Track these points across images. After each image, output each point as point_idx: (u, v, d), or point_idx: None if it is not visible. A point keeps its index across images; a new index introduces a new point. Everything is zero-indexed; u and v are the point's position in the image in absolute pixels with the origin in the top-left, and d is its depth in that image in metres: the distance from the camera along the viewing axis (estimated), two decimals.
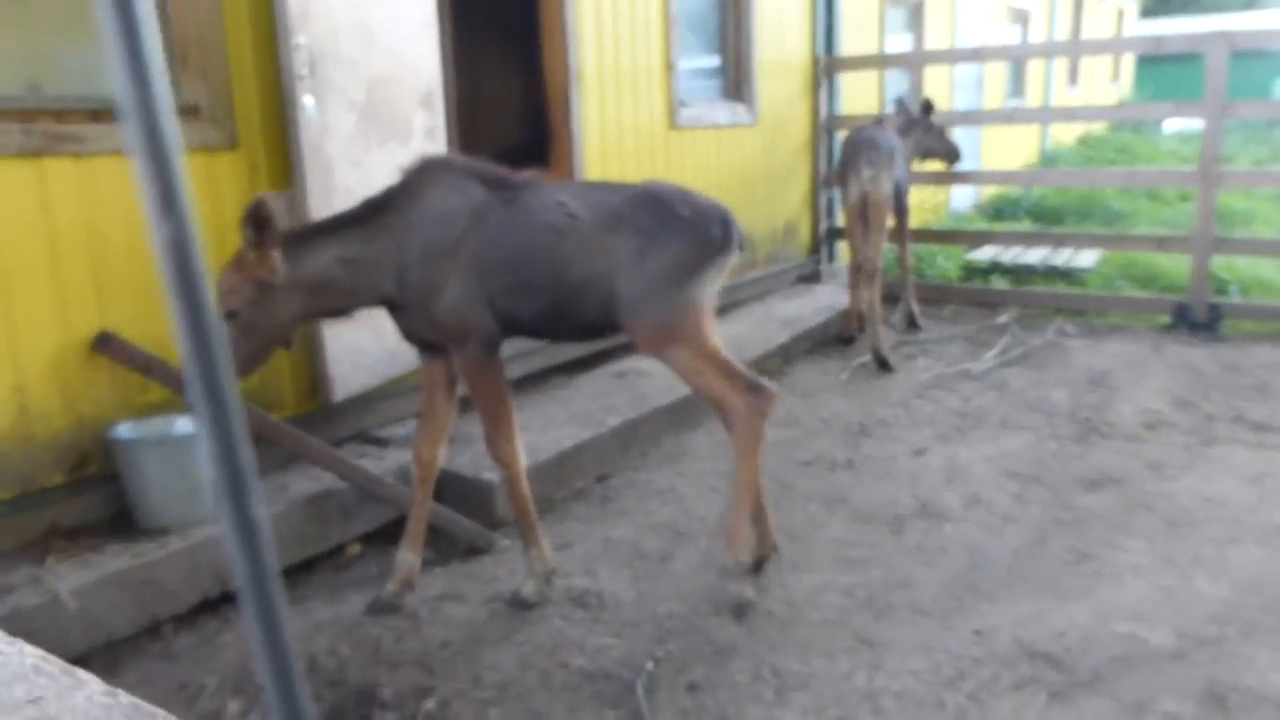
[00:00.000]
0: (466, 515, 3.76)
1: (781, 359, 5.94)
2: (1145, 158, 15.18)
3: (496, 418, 3.13)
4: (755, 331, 6.17)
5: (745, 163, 6.77)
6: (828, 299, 6.91)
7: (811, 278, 7.56)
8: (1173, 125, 19.57)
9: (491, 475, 3.89)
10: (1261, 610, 3.13)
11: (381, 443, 4.13)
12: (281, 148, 3.73)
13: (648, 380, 5.20)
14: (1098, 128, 18.00)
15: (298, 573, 3.49)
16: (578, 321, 3.09)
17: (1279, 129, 19.15)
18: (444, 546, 3.75)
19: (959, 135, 6.27)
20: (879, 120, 6.24)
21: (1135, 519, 3.82)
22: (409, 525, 3.33)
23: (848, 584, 3.38)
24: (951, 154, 6.27)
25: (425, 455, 3.26)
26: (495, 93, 7.53)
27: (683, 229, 2.99)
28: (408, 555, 3.30)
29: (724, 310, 6.63)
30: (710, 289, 3.10)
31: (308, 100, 3.67)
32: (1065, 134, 16.61)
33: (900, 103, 6.20)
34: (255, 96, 3.70)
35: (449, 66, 5.03)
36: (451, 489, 3.92)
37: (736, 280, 6.78)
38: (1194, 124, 15.41)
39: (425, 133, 4.21)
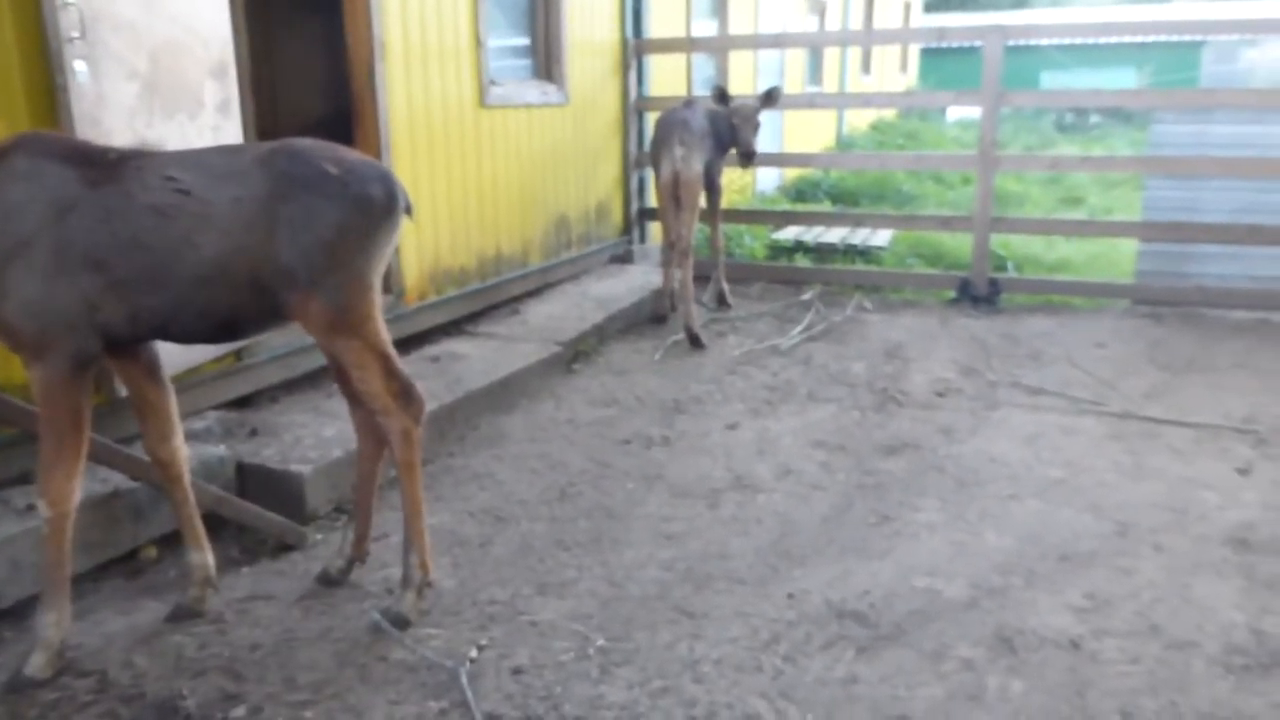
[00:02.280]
0: (275, 509, 3.59)
1: (597, 339, 5.97)
2: (931, 143, 16.18)
3: (61, 449, 2.63)
4: (571, 312, 6.17)
5: (557, 143, 6.75)
6: (641, 279, 7.00)
7: (625, 258, 7.65)
8: (955, 113, 20.85)
9: (301, 467, 3.73)
10: (1041, 559, 3.41)
11: None
12: (50, 119, 3.41)
13: (463, 363, 5.11)
14: (888, 115, 19.01)
15: (86, 582, 3.24)
16: (217, 315, 2.69)
17: (1046, 117, 20.78)
18: (251, 544, 3.57)
19: (764, 117, 6.32)
20: (690, 102, 6.33)
21: (929, 480, 4.08)
22: (182, 527, 3.11)
23: (667, 558, 3.44)
24: (742, 147, 6.09)
25: (160, 454, 2.98)
26: (296, 65, 7.17)
27: (336, 191, 2.62)
28: (196, 556, 3.09)
29: (539, 291, 6.60)
30: (380, 264, 2.77)
31: (79, 66, 3.38)
32: (860, 120, 17.48)
33: (717, 87, 6.30)
34: (17, 61, 3.36)
35: (243, 36, 4.74)
36: (258, 483, 3.73)
37: (551, 260, 6.76)
38: (974, 112, 16.62)
39: (218, 106, 3.96)
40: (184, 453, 3.05)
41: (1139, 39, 21.12)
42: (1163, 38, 20.32)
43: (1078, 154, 12.28)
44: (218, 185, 2.62)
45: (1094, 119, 21.50)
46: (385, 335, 2.85)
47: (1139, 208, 7.25)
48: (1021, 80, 17.65)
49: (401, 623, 2.96)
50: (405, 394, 2.87)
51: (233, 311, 2.71)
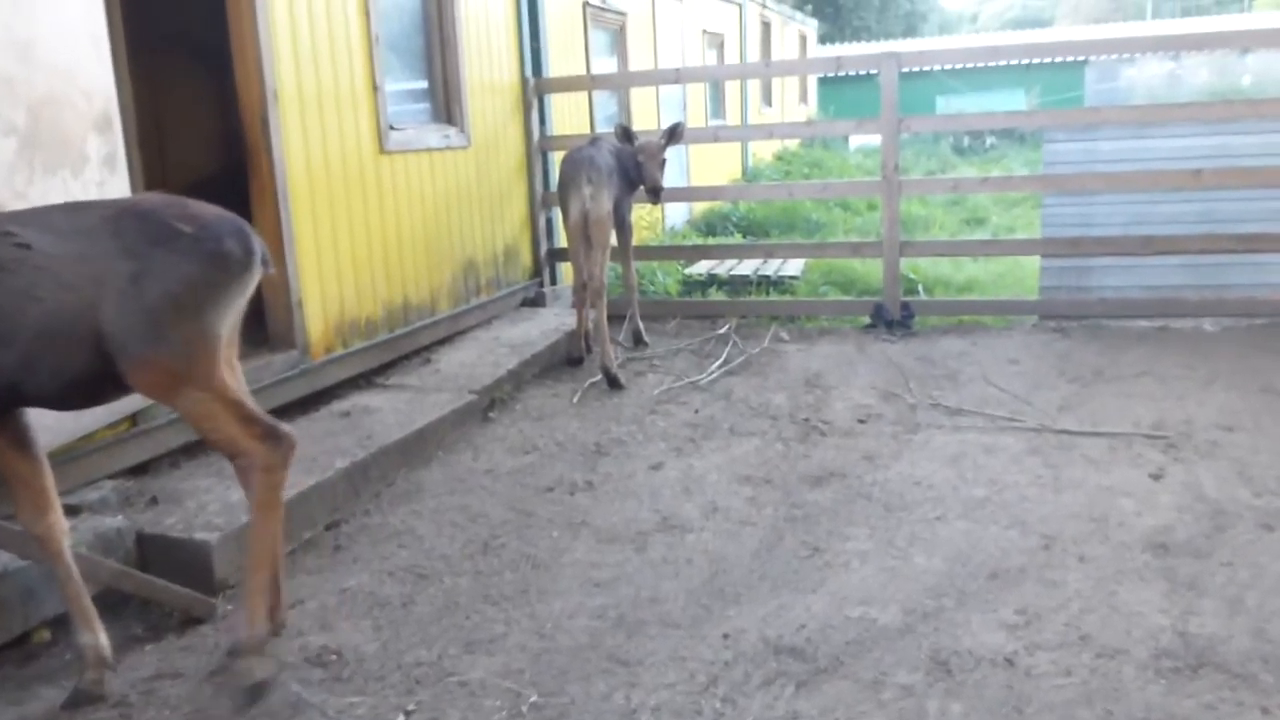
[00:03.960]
0: (181, 581, 3.39)
1: (513, 385, 5.85)
2: (836, 171, 16.51)
3: None
4: (484, 358, 6.05)
5: (461, 187, 6.66)
6: (554, 321, 6.91)
7: (536, 300, 7.56)
8: (856, 141, 21.36)
9: (207, 535, 3.54)
10: (971, 578, 3.40)
11: (73, 510, 3.64)
12: None
13: (375, 416, 4.95)
14: (792, 145, 19.37)
15: None
16: (70, 375, 2.59)
17: (944, 141, 21.43)
18: (156, 619, 3.36)
19: (670, 152, 6.33)
20: (595, 140, 6.31)
21: (857, 508, 4.06)
22: (68, 606, 2.92)
23: (598, 606, 3.35)
24: (649, 183, 6.00)
25: (36, 529, 2.82)
26: (187, 116, 6.95)
27: (188, 247, 2.57)
28: (86, 637, 2.89)
29: (450, 339, 6.45)
30: (232, 317, 2.74)
31: None
32: (764, 151, 17.75)
33: (619, 125, 6.29)
34: None
35: (127, 86, 4.56)
36: (161, 553, 3.53)
37: (460, 307, 6.63)
38: (874, 140, 16.94)
39: (103, 160, 3.78)
40: (62, 527, 2.87)
41: (1026, 61, 21.94)
42: (1049, 59, 21.13)
43: (977, 175, 12.64)
44: (62, 241, 2.53)
45: (990, 140, 22.24)
46: (236, 384, 2.79)
47: (1039, 225, 7.44)
48: (918, 105, 18.19)
49: (257, 691, 2.78)
50: (270, 434, 2.75)
51: (87, 371, 2.59)
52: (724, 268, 8.81)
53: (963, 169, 17.08)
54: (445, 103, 6.63)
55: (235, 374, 2.97)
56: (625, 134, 6.12)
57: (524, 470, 4.64)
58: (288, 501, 3.77)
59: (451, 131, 6.59)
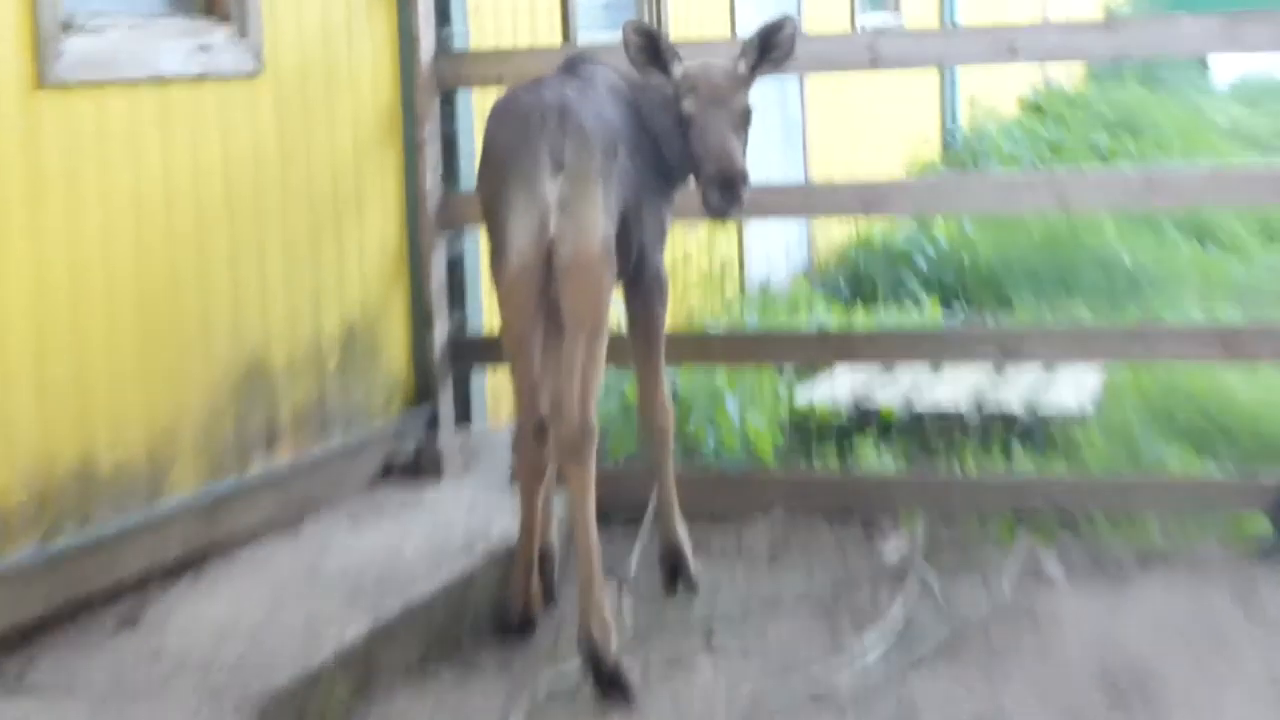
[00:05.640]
0: None
1: (353, 689, 2.76)
2: (1178, 140, 9.09)
3: None
4: (281, 618, 2.98)
5: (238, 170, 3.33)
6: (462, 519, 3.66)
7: (420, 464, 3.97)
8: (1227, 69, 11.94)
9: None
10: None
11: None
12: None
13: None
14: (1064, 73, 11.46)
15: None
16: None
17: None
18: None
19: (764, 94, 2.89)
20: (574, 65, 3.13)
21: None
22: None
23: None
24: (712, 167, 2.85)
25: None
26: None
27: None
28: None
29: (198, 563, 3.28)
30: None
31: None
32: (993, 91, 10.00)
33: (636, 26, 2.93)
34: None
35: None
36: None
37: (226, 480, 3.32)
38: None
39: None
40: None
41: None
42: None
43: None
44: None
45: None
46: None
47: None
48: None
49: None
50: None
51: None
52: (896, 389, 4.80)
53: None
54: None
55: None
56: (648, 50, 2.90)
57: None
58: None
59: (217, 35, 3.20)
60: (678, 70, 2.87)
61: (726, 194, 2.82)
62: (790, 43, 2.97)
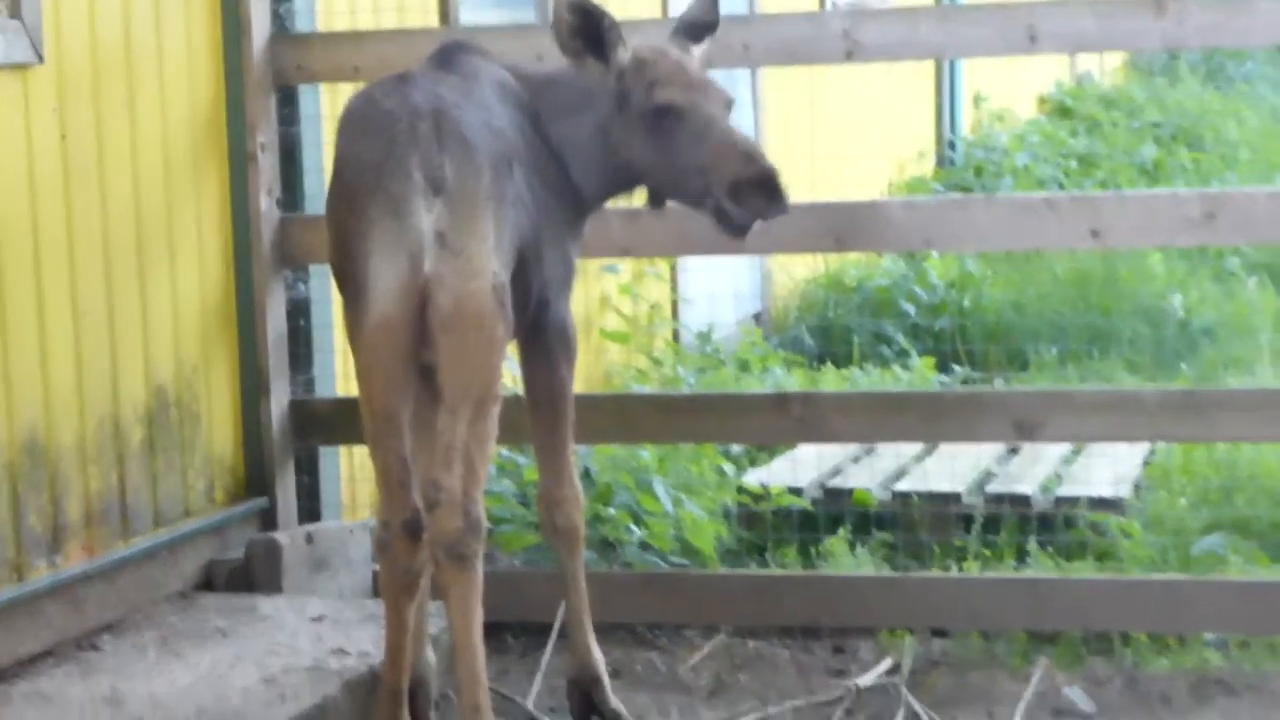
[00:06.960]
0: None
1: None
2: (1249, 151, 7.99)
3: None
4: None
5: (1, 194, 2.83)
6: (308, 640, 3.23)
7: (252, 572, 3.57)
8: None
9: None
10: None
11: None
12: None
13: None
14: (1096, 64, 10.21)
15: None
16: None
17: None
18: None
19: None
20: (449, 55, 2.62)
21: None
22: None
23: None
24: (671, 179, 2.70)
25: None
26: None
27: None
28: None
29: None
30: None
31: None
32: (1005, 92, 8.99)
33: (579, 5, 2.47)
34: None
35: None
36: None
37: None
38: None
39: None
40: None
41: None
42: None
43: None
44: None
45: None
46: None
47: None
48: None
49: None
50: None
51: None
52: (877, 468, 4.10)
53: None
54: None
55: None
56: (585, 32, 2.56)
57: None
58: None
59: None
60: (624, 56, 2.48)
61: (765, 197, 2.41)
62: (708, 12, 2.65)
